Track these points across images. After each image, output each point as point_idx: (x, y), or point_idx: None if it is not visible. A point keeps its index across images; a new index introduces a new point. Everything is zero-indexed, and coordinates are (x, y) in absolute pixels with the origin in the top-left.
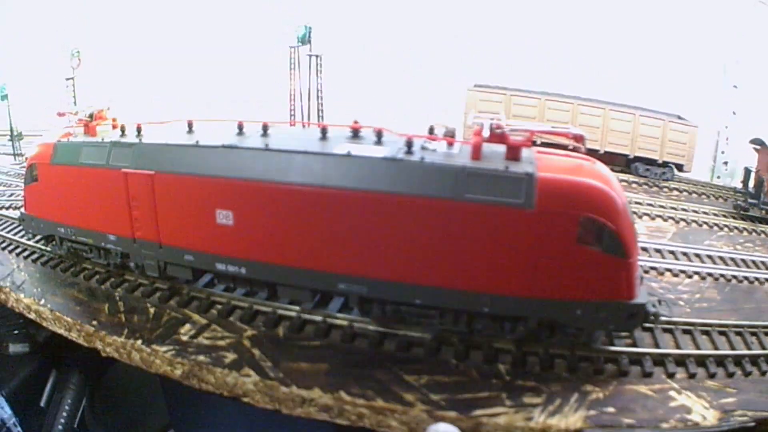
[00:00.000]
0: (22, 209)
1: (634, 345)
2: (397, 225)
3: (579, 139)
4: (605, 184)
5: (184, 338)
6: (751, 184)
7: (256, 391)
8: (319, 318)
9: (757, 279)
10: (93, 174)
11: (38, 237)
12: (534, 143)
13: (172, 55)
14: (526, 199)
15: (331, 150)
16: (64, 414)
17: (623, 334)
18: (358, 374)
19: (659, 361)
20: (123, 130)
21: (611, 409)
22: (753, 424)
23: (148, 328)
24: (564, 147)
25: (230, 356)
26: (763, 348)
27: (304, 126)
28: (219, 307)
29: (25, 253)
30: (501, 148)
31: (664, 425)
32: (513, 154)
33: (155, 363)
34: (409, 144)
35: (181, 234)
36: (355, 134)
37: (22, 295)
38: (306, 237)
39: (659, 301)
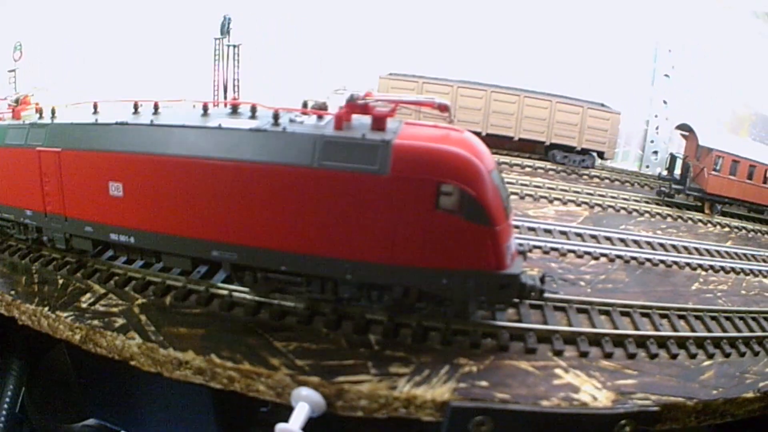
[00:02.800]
0: None
1: (520, 321)
2: (262, 193)
3: (443, 108)
4: (468, 151)
5: (84, 305)
6: (678, 170)
7: (140, 354)
8: (201, 288)
9: (675, 263)
10: (14, 153)
11: None
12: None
13: (104, 50)
14: (380, 165)
15: (206, 124)
16: (7, 400)
17: (507, 310)
18: (231, 339)
19: (545, 338)
20: (40, 112)
21: (484, 383)
22: (656, 408)
23: (55, 296)
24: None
25: (120, 321)
26: (675, 330)
27: (194, 105)
28: (116, 278)
29: None
30: (368, 120)
31: (545, 402)
32: (378, 125)
33: (59, 329)
34: (276, 116)
35: (82, 207)
36: (234, 110)
37: None
38: (184, 206)
39: (543, 277)
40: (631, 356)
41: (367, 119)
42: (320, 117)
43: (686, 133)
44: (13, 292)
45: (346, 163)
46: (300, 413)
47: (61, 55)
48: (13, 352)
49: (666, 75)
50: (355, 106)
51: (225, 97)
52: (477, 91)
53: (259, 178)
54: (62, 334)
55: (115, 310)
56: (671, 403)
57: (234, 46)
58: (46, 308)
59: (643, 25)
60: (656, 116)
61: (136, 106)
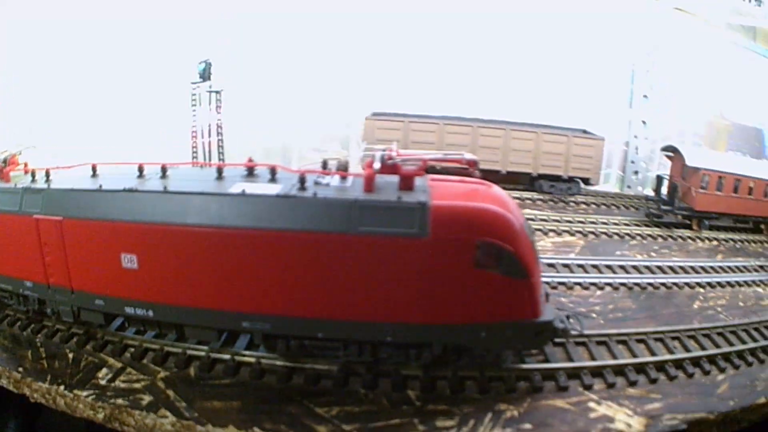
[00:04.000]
0: None
1: (546, 361)
2: (294, 261)
3: (472, 164)
4: (501, 207)
5: (102, 382)
6: (664, 191)
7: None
8: (227, 356)
9: (675, 284)
10: (8, 221)
11: None
12: (435, 170)
13: (80, 96)
14: (420, 228)
15: (227, 190)
16: None
17: (534, 351)
18: (269, 410)
19: (574, 374)
20: (33, 175)
21: (528, 426)
22: (685, 426)
23: (68, 373)
24: (467, 174)
25: (147, 398)
26: (687, 351)
27: (202, 167)
28: (132, 350)
29: None
30: (394, 179)
31: None
32: (406, 184)
33: (78, 408)
34: (302, 180)
35: (91, 279)
36: (250, 172)
37: None
38: (208, 277)
39: (568, 317)
40: (653, 381)
41: (392, 177)
42: (344, 177)
43: (671, 154)
44: (21, 369)
45: (384, 227)
46: None
47: (37, 108)
48: (8, 411)
49: (644, 96)
50: (386, 167)
51: (204, 144)
52: (463, 127)
53: (291, 246)
54: (82, 413)
55: (138, 386)
56: (696, 419)
57: (216, 92)
58: (62, 387)
59: (620, 49)
60: (636, 137)
61: (141, 169)
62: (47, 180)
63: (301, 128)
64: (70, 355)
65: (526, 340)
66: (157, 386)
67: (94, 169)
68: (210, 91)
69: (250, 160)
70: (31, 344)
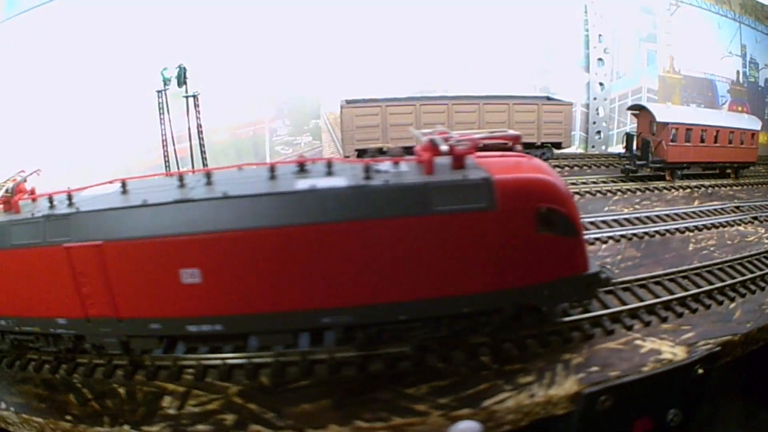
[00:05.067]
0: None
1: (587, 311)
2: (373, 250)
3: (515, 140)
4: (548, 175)
5: (171, 411)
6: (635, 147)
7: None
8: (298, 359)
9: (668, 231)
10: (29, 255)
11: None
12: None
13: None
14: (489, 201)
15: (293, 187)
16: None
17: (576, 304)
18: (361, 400)
19: (615, 319)
20: (51, 201)
21: (595, 368)
22: (718, 348)
23: (127, 410)
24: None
25: (229, 417)
26: (698, 287)
27: (239, 169)
28: (190, 370)
29: None
30: (445, 160)
31: (645, 369)
32: (459, 163)
33: None
34: (367, 169)
35: (143, 303)
36: (302, 168)
37: None
38: (283, 279)
39: (602, 268)
40: (680, 315)
41: (441, 158)
42: (396, 163)
43: (637, 112)
44: (69, 417)
45: (456, 205)
46: None
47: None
48: None
49: (599, 59)
50: (440, 148)
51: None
52: (438, 105)
53: (369, 235)
54: None
55: (212, 407)
56: (724, 341)
57: (193, 96)
58: (126, 426)
59: (573, 17)
60: (595, 99)
61: (181, 178)
62: (70, 204)
63: (269, 124)
64: (121, 390)
65: (581, 291)
66: (235, 402)
67: (123, 184)
68: (187, 96)
69: (301, 156)
70: (70, 387)
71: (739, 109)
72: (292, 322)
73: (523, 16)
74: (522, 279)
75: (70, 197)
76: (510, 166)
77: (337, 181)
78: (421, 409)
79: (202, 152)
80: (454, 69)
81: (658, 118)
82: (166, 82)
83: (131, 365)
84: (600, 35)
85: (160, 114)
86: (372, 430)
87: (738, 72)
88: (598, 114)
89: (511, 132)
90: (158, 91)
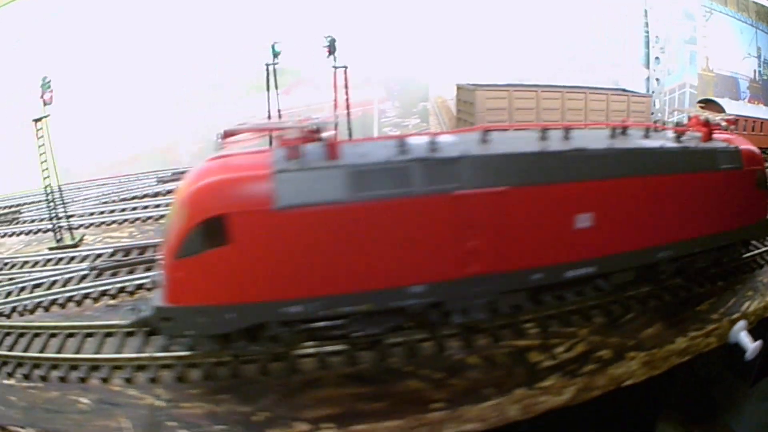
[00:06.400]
0: (155, 301)
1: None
2: (676, 199)
3: (732, 122)
4: (753, 145)
5: (548, 363)
6: None
7: (639, 368)
8: (632, 293)
9: None
10: (382, 209)
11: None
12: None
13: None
14: (740, 163)
15: (645, 145)
16: None
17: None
18: (680, 319)
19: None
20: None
21: None
22: None
23: (502, 375)
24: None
25: (606, 353)
26: None
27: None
28: (551, 318)
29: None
30: (692, 133)
31: None
32: (707, 137)
33: (540, 400)
34: (679, 135)
35: (530, 252)
36: (623, 131)
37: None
38: (630, 222)
39: None
40: None
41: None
42: (677, 132)
43: (703, 105)
44: (437, 405)
45: (729, 164)
46: (746, 337)
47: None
48: None
49: (656, 58)
50: (709, 125)
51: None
52: (555, 93)
53: (679, 186)
54: (545, 404)
55: (581, 348)
56: None
57: (343, 67)
58: (518, 390)
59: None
60: (652, 92)
61: (544, 130)
62: (433, 149)
63: (378, 105)
64: (472, 360)
65: (765, 232)
66: (594, 340)
67: (486, 131)
68: (336, 67)
69: (625, 120)
70: (401, 374)
71: (756, 103)
72: (632, 260)
73: (602, 16)
74: (743, 222)
75: (434, 140)
76: (733, 138)
77: (668, 143)
78: (715, 317)
79: (349, 124)
80: (560, 59)
81: (729, 111)
82: (276, 56)
83: (466, 331)
84: (657, 36)
85: (267, 88)
86: (694, 339)
87: (755, 71)
88: (654, 106)
89: (729, 116)
90: (267, 65)
